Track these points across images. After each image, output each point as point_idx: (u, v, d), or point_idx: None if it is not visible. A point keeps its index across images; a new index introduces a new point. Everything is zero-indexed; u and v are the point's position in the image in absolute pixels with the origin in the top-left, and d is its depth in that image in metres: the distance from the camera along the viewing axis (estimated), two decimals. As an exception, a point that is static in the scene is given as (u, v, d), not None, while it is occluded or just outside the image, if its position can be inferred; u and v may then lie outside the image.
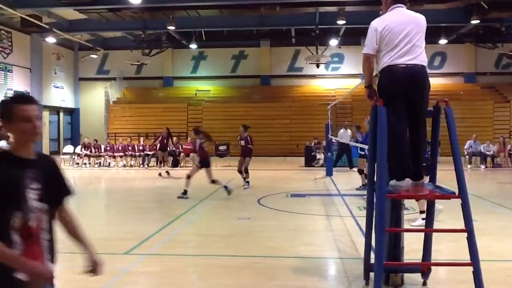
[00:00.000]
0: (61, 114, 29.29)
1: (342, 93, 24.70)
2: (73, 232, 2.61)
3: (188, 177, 11.19)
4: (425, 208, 7.48)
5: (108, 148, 21.11)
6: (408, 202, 7.84)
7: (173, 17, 22.50)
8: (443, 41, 25.76)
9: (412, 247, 5.28)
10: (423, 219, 7.29)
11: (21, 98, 2.35)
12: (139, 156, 20.63)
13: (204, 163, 11.33)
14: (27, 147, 2.34)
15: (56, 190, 2.45)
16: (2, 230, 2.20)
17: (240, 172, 12.74)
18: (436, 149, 4.84)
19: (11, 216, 2.22)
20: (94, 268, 2.56)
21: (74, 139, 28.57)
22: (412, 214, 8.18)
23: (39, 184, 2.31)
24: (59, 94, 28.82)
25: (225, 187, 11.15)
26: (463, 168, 4.33)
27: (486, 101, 26.14)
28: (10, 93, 24.45)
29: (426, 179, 4.74)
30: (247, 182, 12.67)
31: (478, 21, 21.49)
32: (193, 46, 27.81)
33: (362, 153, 11.70)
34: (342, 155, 17.80)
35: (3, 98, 2.48)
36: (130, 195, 12.60)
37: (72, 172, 18.34)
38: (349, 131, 16.51)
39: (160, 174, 16.53)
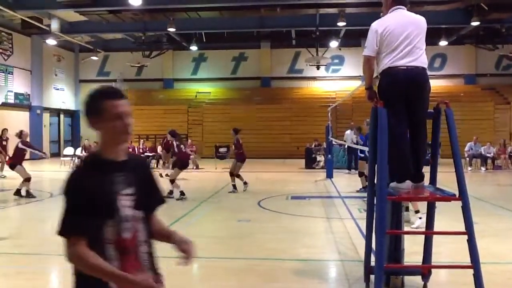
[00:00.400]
0: (62, 116, 29.30)
1: (343, 95, 24.71)
2: (160, 231, 2.30)
3: (172, 181, 11.21)
4: (418, 208, 7.51)
5: (108, 150, 21.10)
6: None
7: (173, 18, 22.52)
8: (443, 43, 25.77)
9: (412, 249, 5.27)
10: (420, 218, 7.30)
11: (110, 93, 2.04)
12: (140, 158, 20.61)
13: (182, 164, 11.38)
14: (116, 148, 2.04)
15: (148, 196, 2.14)
16: (95, 243, 1.92)
17: (230, 174, 12.56)
18: (437, 150, 4.84)
19: (104, 227, 1.94)
20: (187, 251, 2.24)
21: (74, 141, 28.59)
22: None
23: (131, 189, 2.02)
24: (59, 96, 28.83)
25: (171, 191, 11.13)
26: (463, 170, 4.33)
27: (486, 102, 26.13)
28: (11, 95, 24.49)
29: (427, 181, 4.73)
30: (245, 183, 12.45)
31: (478, 23, 21.50)
32: (194, 47, 27.83)
33: (362, 155, 11.69)
34: (352, 156, 17.85)
35: (90, 92, 2.11)
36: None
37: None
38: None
39: (160, 175, 16.53)
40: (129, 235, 2.00)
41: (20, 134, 11.87)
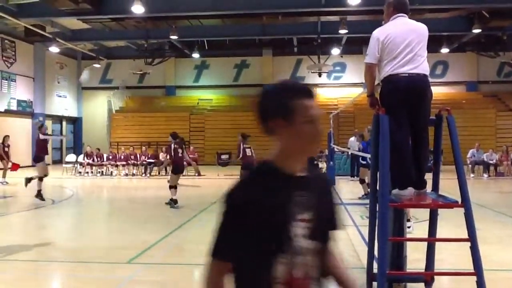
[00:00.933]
0: (64, 123, 29.40)
1: (344, 102, 24.72)
2: (340, 279, 1.78)
3: (171, 187, 11.15)
4: (410, 216, 7.56)
5: (110, 157, 21.15)
6: (412, 212, 7.82)
7: (175, 26, 22.63)
8: (445, 50, 25.81)
9: (414, 256, 5.26)
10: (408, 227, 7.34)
11: (301, 90, 1.63)
12: (142, 165, 20.65)
13: (177, 169, 11.29)
14: (298, 160, 1.64)
15: (326, 222, 1.70)
16: (260, 283, 1.54)
17: None
18: (439, 157, 4.84)
19: (272, 262, 1.53)
20: None
21: (76, 148, 28.65)
22: (417, 223, 8.14)
23: (309, 214, 1.60)
24: (62, 103, 28.93)
25: (175, 200, 11.05)
26: (465, 176, 4.33)
27: (488, 109, 26.13)
28: (13, 102, 24.55)
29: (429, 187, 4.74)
30: None
31: (479, 30, 21.54)
32: (196, 55, 27.93)
33: (364, 162, 11.68)
34: (355, 163, 17.84)
35: (272, 87, 1.64)
36: (132, 204, 12.59)
37: (74, 181, 18.36)
38: None
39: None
40: (301, 273, 1.58)
41: (40, 127, 12.25)
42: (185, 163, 12.90)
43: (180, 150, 11.43)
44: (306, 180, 1.63)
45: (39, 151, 11.72)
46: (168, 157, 11.99)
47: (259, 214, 1.51)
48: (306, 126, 1.60)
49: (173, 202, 10.95)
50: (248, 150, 12.16)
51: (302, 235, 1.57)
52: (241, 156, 12.13)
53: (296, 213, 1.56)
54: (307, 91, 1.63)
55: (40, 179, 11.50)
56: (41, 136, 11.75)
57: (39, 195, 11.43)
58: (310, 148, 1.65)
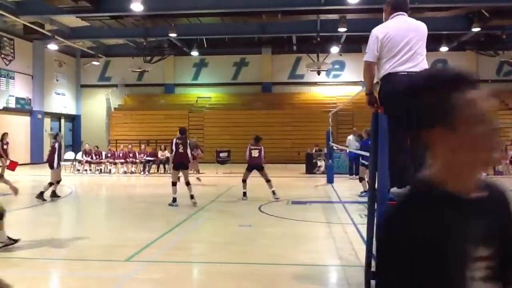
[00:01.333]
0: (63, 120, 29.36)
1: (343, 100, 24.74)
2: None
3: (172, 183, 11.10)
4: None
5: (109, 155, 21.13)
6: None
7: (175, 24, 22.60)
8: (444, 49, 25.82)
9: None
10: None
11: (458, 80, 1.17)
12: (140, 163, 20.63)
13: (177, 165, 11.26)
14: (470, 175, 1.18)
15: (509, 255, 1.20)
16: None
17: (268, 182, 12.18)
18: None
19: None
20: None
21: (75, 146, 28.63)
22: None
23: (491, 248, 1.15)
24: (60, 101, 28.90)
25: (191, 196, 11.02)
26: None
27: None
28: (12, 100, 24.52)
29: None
30: (244, 194, 12.02)
31: (479, 29, 21.56)
32: (195, 53, 27.91)
33: (364, 162, 11.68)
34: (353, 162, 17.83)
35: (417, 79, 1.15)
36: (130, 202, 12.59)
37: (73, 178, 18.35)
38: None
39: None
40: None
41: (56, 136, 12.37)
42: (191, 159, 12.70)
43: (181, 146, 11.33)
44: (484, 202, 1.18)
45: (53, 159, 11.84)
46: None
47: (423, 254, 1.09)
48: (476, 129, 1.13)
49: (173, 200, 10.94)
50: (254, 151, 12.04)
51: (480, 278, 1.13)
52: (246, 157, 12.17)
53: (472, 250, 1.12)
54: (465, 79, 1.17)
55: (50, 184, 11.72)
56: (56, 147, 11.91)
57: (40, 196, 11.48)
58: (488, 157, 1.17)
